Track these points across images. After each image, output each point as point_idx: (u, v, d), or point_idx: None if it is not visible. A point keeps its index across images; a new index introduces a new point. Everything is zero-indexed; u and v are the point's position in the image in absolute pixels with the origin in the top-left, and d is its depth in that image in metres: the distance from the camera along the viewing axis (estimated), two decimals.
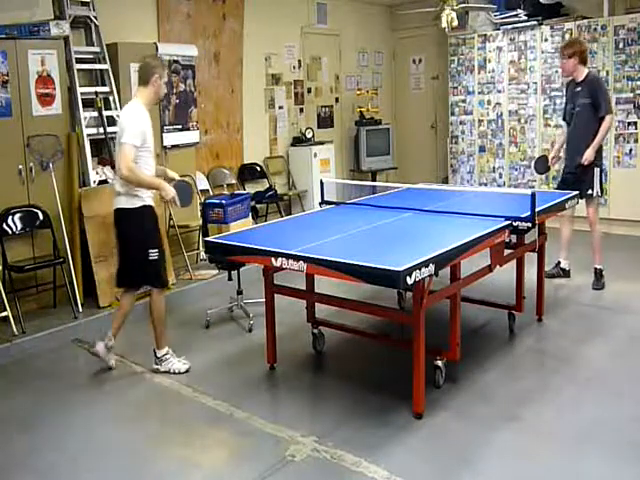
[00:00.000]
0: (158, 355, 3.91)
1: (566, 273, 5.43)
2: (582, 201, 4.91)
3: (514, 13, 7.50)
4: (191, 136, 6.18)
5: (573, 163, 5.09)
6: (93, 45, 5.44)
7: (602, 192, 5.28)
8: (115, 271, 4.03)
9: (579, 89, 5.04)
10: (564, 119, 5.36)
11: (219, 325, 4.77)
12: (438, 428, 3.18)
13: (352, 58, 8.87)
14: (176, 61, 6.00)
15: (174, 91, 6.00)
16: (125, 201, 3.73)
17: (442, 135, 8.95)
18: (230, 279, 4.89)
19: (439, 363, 3.54)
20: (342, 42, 8.64)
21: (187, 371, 3.89)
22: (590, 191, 5.02)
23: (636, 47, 6.67)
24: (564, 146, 5.31)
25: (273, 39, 7.54)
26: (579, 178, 5.03)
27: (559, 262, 5.43)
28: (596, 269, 5.18)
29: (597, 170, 5.06)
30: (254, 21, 7.16)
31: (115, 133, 5.37)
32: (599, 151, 5.09)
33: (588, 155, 4.94)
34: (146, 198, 3.75)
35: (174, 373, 3.88)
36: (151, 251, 3.77)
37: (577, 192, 4.65)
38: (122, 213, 3.77)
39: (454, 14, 5.90)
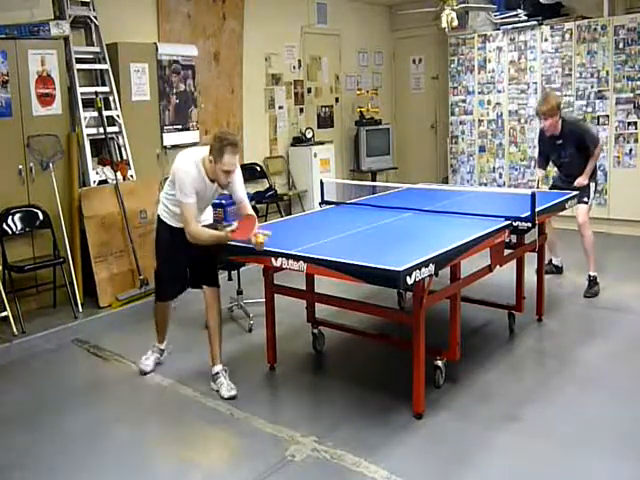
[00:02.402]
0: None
1: (559, 269, 5.49)
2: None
3: (514, 13, 7.50)
4: (191, 136, 6.17)
5: (566, 183, 5.10)
6: (93, 45, 5.44)
7: (597, 193, 5.40)
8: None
9: (560, 142, 4.99)
10: (540, 167, 5.37)
11: None
12: (438, 428, 3.18)
13: (352, 58, 8.87)
14: (176, 61, 5.99)
15: (174, 91, 6.00)
16: (160, 210, 3.75)
17: (442, 135, 8.94)
18: (230, 279, 4.89)
19: (439, 363, 3.54)
20: (342, 42, 8.64)
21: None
22: (586, 199, 4.98)
23: (636, 47, 6.67)
24: (556, 170, 5.40)
25: (273, 39, 7.54)
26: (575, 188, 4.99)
27: (550, 260, 5.44)
28: (590, 276, 5.04)
29: (592, 185, 5.08)
30: (254, 21, 7.16)
31: (114, 134, 5.44)
32: (594, 169, 5.11)
33: (581, 180, 4.97)
34: (168, 217, 3.69)
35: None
36: (156, 261, 3.83)
37: (577, 192, 4.65)
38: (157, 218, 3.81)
39: (454, 14, 5.90)
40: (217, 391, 3.62)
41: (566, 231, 5.58)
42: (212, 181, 3.47)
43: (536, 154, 7.20)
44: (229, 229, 3.37)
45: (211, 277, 3.71)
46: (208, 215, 3.87)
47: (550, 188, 5.26)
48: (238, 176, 3.55)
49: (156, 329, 3.99)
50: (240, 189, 3.58)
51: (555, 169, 5.48)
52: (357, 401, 3.48)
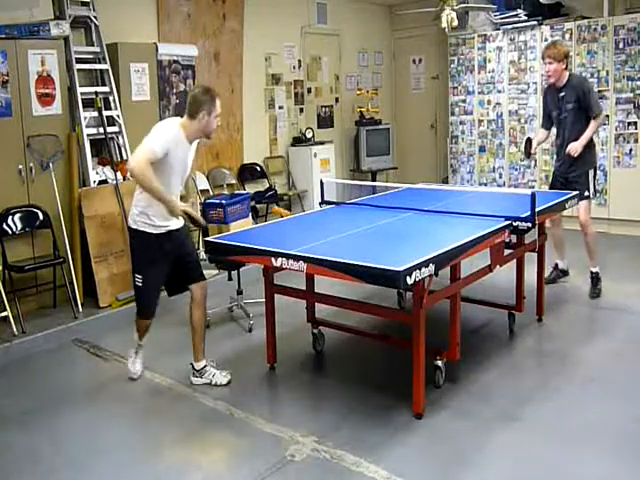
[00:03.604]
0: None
1: (565, 273, 5.37)
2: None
3: (514, 13, 7.50)
4: None
5: (565, 167, 4.94)
6: (93, 45, 5.44)
7: (597, 193, 5.22)
8: None
9: (563, 94, 4.82)
10: (543, 126, 5.19)
11: (219, 325, 4.77)
12: (438, 428, 3.18)
13: (352, 58, 8.87)
14: (176, 61, 5.99)
15: (174, 91, 6.00)
16: (133, 219, 3.53)
17: (442, 135, 8.95)
18: (230, 279, 4.89)
19: (439, 363, 3.54)
20: (342, 42, 8.64)
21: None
22: (587, 192, 4.86)
23: (636, 47, 6.67)
24: (556, 151, 5.18)
25: (273, 39, 7.54)
26: (573, 180, 4.88)
27: (556, 264, 5.32)
28: (592, 272, 5.00)
29: (591, 172, 4.92)
30: (254, 21, 7.16)
31: (114, 134, 5.44)
32: (593, 152, 4.96)
33: (576, 146, 4.72)
34: (154, 226, 3.49)
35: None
36: (137, 276, 3.58)
37: (577, 192, 4.62)
38: (129, 230, 3.63)
39: (454, 14, 5.90)
40: (210, 383, 3.70)
41: (562, 231, 5.57)
42: (189, 143, 3.52)
43: (537, 155, 7.27)
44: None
45: (200, 271, 3.77)
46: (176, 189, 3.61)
47: (550, 188, 5.15)
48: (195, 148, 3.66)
49: (139, 336, 3.85)
50: (192, 160, 3.68)
51: (554, 164, 5.29)
52: (357, 401, 3.48)
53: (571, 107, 4.80)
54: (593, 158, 5.00)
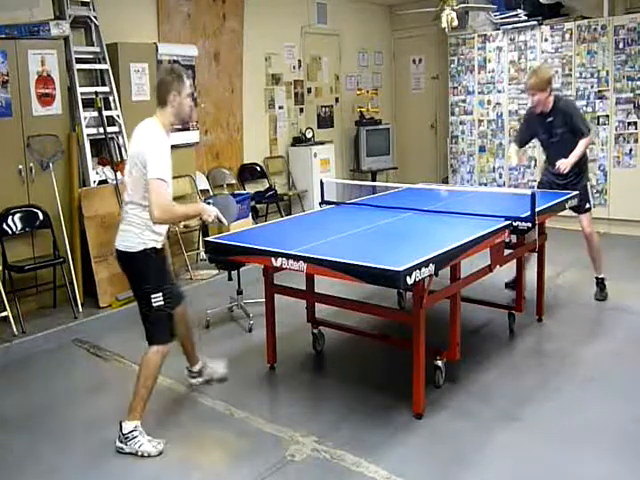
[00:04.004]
0: (124, 430, 3.06)
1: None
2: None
3: (514, 13, 7.50)
4: (191, 136, 6.17)
5: (562, 182, 4.80)
6: (93, 45, 5.44)
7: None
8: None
9: (550, 119, 4.69)
10: (517, 143, 5.03)
11: (219, 325, 4.77)
12: (438, 428, 3.18)
13: (352, 58, 8.87)
14: (176, 61, 5.98)
15: None
16: (126, 244, 3.13)
17: (442, 135, 8.95)
18: (230, 279, 4.89)
19: (439, 363, 3.54)
20: (342, 42, 8.64)
21: (159, 454, 3.05)
22: (588, 205, 4.84)
23: (636, 47, 6.67)
24: (545, 167, 5.05)
25: (273, 39, 7.54)
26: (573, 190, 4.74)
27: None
28: (598, 279, 4.98)
29: (589, 184, 4.94)
30: (254, 21, 7.16)
31: (114, 134, 5.44)
32: (586, 167, 4.91)
33: (566, 163, 4.60)
34: (148, 241, 3.12)
35: (142, 456, 3.04)
36: (154, 296, 3.10)
37: (577, 192, 4.61)
38: (122, 255, 3.18)
39: (454, 14, 5.90)
40: (209, 381, 3.66)
41: (562, 230, 5.58)
42: (169, 136, 3.21)
43: (536, 154, 7.27)
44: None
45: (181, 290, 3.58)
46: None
47: (537, 187, 5.05)
48: None
49: (147, 398, 3.16)
50: None
51: (543, 163, 5.19)
52: (357, 401, 3.48)
53: (561, 132, 4.71)
54: (587, 172, 4.98)
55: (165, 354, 3.19)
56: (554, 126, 4.71)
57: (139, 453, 3.04)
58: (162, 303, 3.13)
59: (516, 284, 4.41)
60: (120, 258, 3.20)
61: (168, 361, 4.07)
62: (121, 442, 3.07)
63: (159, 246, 3.17)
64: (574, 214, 4.95)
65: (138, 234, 3.10)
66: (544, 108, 4.68)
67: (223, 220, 3.26)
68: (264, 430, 3.23)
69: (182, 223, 3.48)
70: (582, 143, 4.68)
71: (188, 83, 3.19)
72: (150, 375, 3.13)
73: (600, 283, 4.99)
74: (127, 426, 3.07)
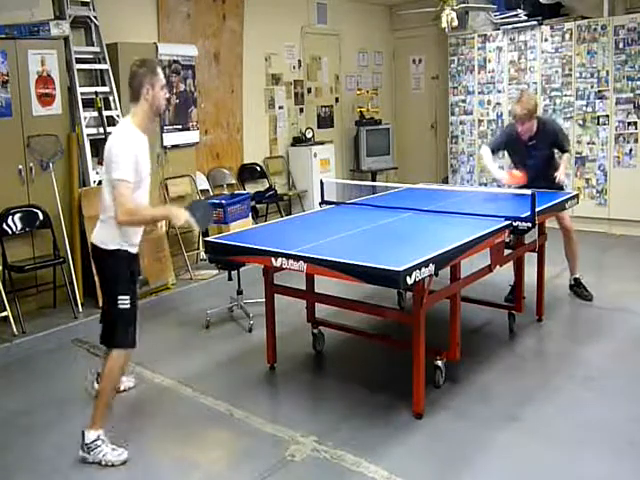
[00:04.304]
0: (86, 440, 2.98)
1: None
2: None
3: (514, 13, 7.51)
4: (191, 136, 6.18)
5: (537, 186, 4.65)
6: (93, 45, 5.44)
7: None
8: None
9: (532, 143, 4.67)
10: (491, 149, 4.90)
11: (219, 325, 4.77)
12: (438, 428, 3.18)
13: (352, 58, 8.87)
14: (176, 61, 5.99)
15: (174, 91, 6.00)
16: (100, 239, 3.09)
17: (442, 135, 8.95)
18: (230, 279, 4.89)
19: (439, 363, 3.54)
20: (342, 42, 8.64)
21: (123, 463, 2.98)
22: (572, 202, 4.69)
23: (636, 47, 6.67)
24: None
25: (273, 39, 7.54)
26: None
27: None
28: (576, 280, 4.98)
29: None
30: (254, 21, 7.16)
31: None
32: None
33: (561, 176, 4.63)
34: (123, 242, 3.06)
35: (106, 465, 2.96)
36: (120, 298, 3.03)
37: (576, 193, 4.63)
38: (95, 250, 3.13)
39: (454, 14, 5.90)
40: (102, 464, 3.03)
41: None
42: (145, 134, 3.11)
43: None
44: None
45: None
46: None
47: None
48: None
49: (107, 404, 3.08)
50: None
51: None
52: (357, 401, 3.48)
53: (541, 154, 4.70)
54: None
55: (127, 360, 3.14)
56: (536, 148, 4.68)
57: (102, 462, 2.97)
58: (128, 307, 3.05)
59: (515, 284, 4.41)
60: (94, 252, 3.14)
61: (168, 361, 4.09)
62: (84, 452, 3.00)
63: (131, 250, 3.11)
64: (574, 214, 4.96)
65: (113, 234, 3.04)
66: (530, 133, 4.66)
67: (194, 226, 3.13)
68: (264, 430, 3.23)
69: (155, 225, 3.37)
70: (566, 159, 4.78)
71: (161, 72, 3.11)
72: (113, 380, 3.07)
73: (580, 283, 4.97)
74: (90, 436, 2.99)
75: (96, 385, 3.60)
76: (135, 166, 2.95)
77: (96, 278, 3.23)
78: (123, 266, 3.08)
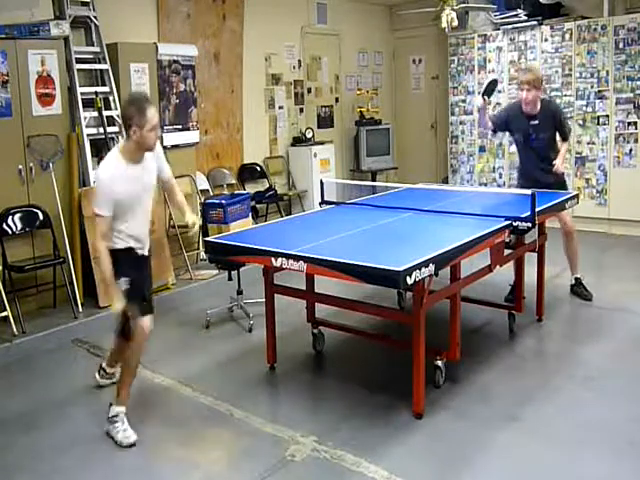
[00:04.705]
0: (110, 413, 3.22)
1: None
2: None
3: (514, 13, 7.51)
4: (191, 136, 6.18)
5: (541, 185, 4.62)
6: (93, 45, 5.44)
7: None
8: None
9: (536, 122, 4.57)
10: (491, 119, 4.80)
11: (219, 325, 4.77)
12: (438, 428, 3.18)
13: (352, 58, 8.87)
14: (176, 61, 5.99)
15: (174, 91, 6.00)
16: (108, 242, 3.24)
17: (442, 135, 8.95)
18: (230, 279, 4.89)
19: (439, 363, 3.54)
20: (342, 42, 8.64)
21: (130, 445, 3.12)
22: (572, 202, 4.67)
23: (636, 47, 6.67)
24: (521, 175, 4.94)
25: (273, 39, 7.54)
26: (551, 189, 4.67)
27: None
28: (577, 279, 4.98)
29: (567, 182, 4.85)
30: (254, 21, 7.16)
31: (114, 134, 5.44)
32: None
33: (559, 165, 4.58)
34: (119, 241, 3.23)
35: (115, 443, 3.15)
36: (119, 281, 3.18)
37: (576, 193, 4.62)
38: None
39: (454, 14, 5.90)
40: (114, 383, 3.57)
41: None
42: (138, 162, 3.18)
43: None
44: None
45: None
46: (145, 227, 3.36)
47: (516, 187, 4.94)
48: (161, 153, 3.42)
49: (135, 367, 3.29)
50: (166, 166, 3.47)
51: (517, 164, 5.10)
52: (357, 401, 3.48)
53: (543, 136, 4.61)
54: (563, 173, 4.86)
55: (145, 336, 3.23)
56: (538, 130, 4.60)
57: (114, 439, 3.17)
58: (128, 287, 3.18)
59: (515, 284, 4.41)
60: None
61: (168, 361, 4.09)
62: (107, 422, 3.23)
63: (133, 245, 3.27)
64: (574, 214, 4.95)
65: (110, 236, 3.20)
66: (532, 109, 4.57)
67: (115, 307, 3.14)
68: (264, 430, 3.23)
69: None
70: (566, 146, 4.71)
71: (151, 114, 3.07)
72: (135, 361, 3.26)
73: (580, 283, 4.98)
74: (112, 410, 3.22)
75: (97, 376, 3.75)
76: (112, 200, 3.08)
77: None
78: (121, 258, 3.21)
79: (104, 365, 3.76)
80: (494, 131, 4.95)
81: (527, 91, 4.49)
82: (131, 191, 3.16)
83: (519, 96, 4.61)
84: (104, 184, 3.11)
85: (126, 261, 3.25)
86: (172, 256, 5.56)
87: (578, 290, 4.98)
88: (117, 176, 3.11)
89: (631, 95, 6.75)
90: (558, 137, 4.74)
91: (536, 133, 4.62)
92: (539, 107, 4.57)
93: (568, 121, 5.00)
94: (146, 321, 3.24)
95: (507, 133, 4.95)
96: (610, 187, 6.99)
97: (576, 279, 5.01)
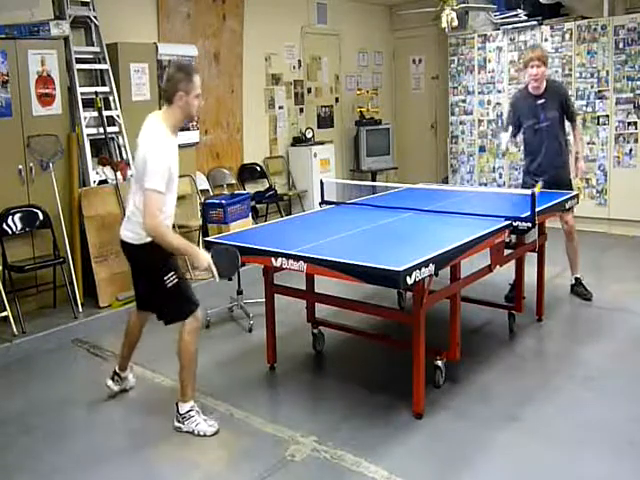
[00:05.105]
0: (181, 411, 3.22)
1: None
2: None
3: (514, 13, 7.51)
4: (191, 136, 6.17)
5: (549, 178, 4.59)
6: (93, 45, 5.44)
7: None
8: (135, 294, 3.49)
9: (542, 101, 4.57)
10: (506, 129, 4.81)
11: (219, 325, 4.77)
12: (438, 428, 3.18)
13: (352, 58, 8.87)
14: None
15: None
16: (132, 235, 3.16)
17: (442, 135, 8.95)
18: (230, 279, 4.88)
19: (439, 363, 3.54)
20: (342, 42, 8.64)
21: (215, 434, 3.18)
22: (572, 201, 4.66)
23: (636, 47, 6.67)
24: (529, 165, 4.81)
25: (273, 39, 7.54)
26: (558, 185, 4.65)
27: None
28: (577, 279, 4.98)
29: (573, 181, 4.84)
30: (254, 21, 7.16)
31: (114, 134, 5.44)
32: (568, 159, 4.81)
33: (583, 166, 4.69)
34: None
35: (199, 435, 3.18)
36: (166, 278, 3.16)
37: (576, 193, 4.62)
38: (127, 246, 3.23)
39: (454, 14, 5.90)
40: (123, 390, 3.61)
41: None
42: (176, 134, 3.16)
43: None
44: None
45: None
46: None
47: (522, 186, 4.88)
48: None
49: (193, 376, 3.26)
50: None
51: (524, 158, 4.99)
52: (357, 401, 3.48)
53: (552, 115, 4.60)
54: (569, 169, 4.85)
55: (199, 326, 3.23)
56: (546, 108, 4.60)
57: (195, 432, 3.17)
58: (176, 281, 3.16)
59: (515, 283, 4.41)
60: (125, 248, 3.25)
61: (168, 361, 4.08)
62: (179, 422, 3.21)
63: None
64: (574, 214, 4.93)
65: (135, 229, 3.12)
66: (539, 86, 4.57)
67: (215, 274, 3.08)
68: (264, 430, 3.23)
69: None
70: (578, 134, 4.73)
71: (197, 83, 3.09)
72: (189, 357, 3.18)
73: (580, 283, 4.97)
74: (184, 407, 3.20)
75: (109, 382, 3.61)
76: (168, 175, 3.00)
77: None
78: (157, 253, 3.09)
79: (117, 370, 3.62)
80: (514, 135, 4.84)
81: (537, 67, 4.51)
82: (175, 168, 3.07)
83: (528, 74, 4.59)
84: (162, 158, 2.97)
85: (162, 257, 3.12)
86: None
87: (578, 290, 4.98)
88: (170, 149, 3.04)
89: (631, 95, 6.75)
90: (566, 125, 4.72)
91: (544, 113, 4.61)
92: (544, 86, 4.60)
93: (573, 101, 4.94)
94: (199, 312, 3.24)
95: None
96: (610, 187, 6.99)
97: (576, 279, 5.02)
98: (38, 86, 4.85)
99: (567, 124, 4.82)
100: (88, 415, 3.48)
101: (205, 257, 3.07)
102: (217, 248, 3.25)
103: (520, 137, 4.86)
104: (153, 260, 3.14)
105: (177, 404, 3.23)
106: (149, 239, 3.06)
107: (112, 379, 3.62)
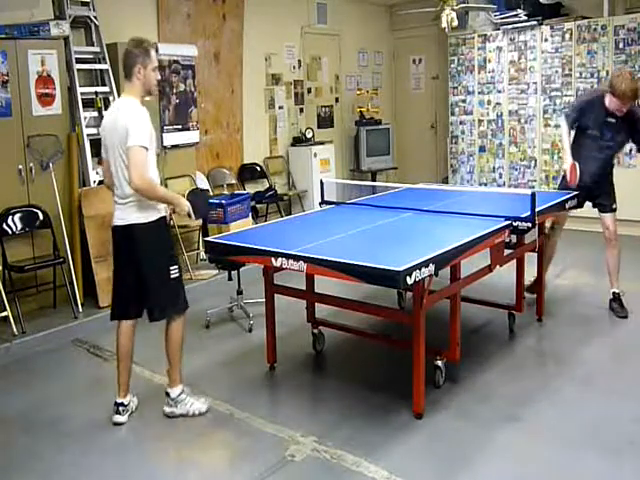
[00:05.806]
0: (172, 395, 3.38)
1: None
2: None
3: (514, 13, 7.51)
4: (191, 136, 6.18)
5: (591, 182, 4.54)
6: (93, 45, 5.45)
7: None
8: (112, 301, 3.39)
9: (613, 121, 4.33)
10: (569, 126, 4.54)
11: (219, 325, 4.77)
12: (438, 428, 3.18)
13: (352, 58, 8.87)
14: (176, 61, 5.99)
15: (174, 91, 6.00)
16: (138, 215, 3.18)
17: (442, 135, 8.95)
18: (230, 279, 4.89)
19: (439, 363, 3.54)
20: (342, 42, 8.64)
21: (207, 410, 3.38)
22: (615, 205, 4.71)
23: (636, 47, 6.67)
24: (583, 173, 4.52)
25: (273, 39, 7.54)
26: (602, 193, 4.66)
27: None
28: (615, 294, 4.62)
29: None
30: (254, 21, 7.16)
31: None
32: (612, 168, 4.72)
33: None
34: (161, 208, 3.26)
35: (194, 415, 3.35)
36: (172, 268, 3.25)
37: (577, 193, 4.58)
38: (135, 230, 3.19)
39: (454, 14, 5.90)
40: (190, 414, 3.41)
41: (562, 230, 5.56)
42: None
43: (536, 154, 7.24)
44: None
45: None
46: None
47: (560, 188, 4.76)
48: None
49: (180, 362, 3.41)
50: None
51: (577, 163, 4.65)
52: (357, 401, 3.48)
53: (620, 139, 4.44)
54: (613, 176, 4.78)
55: (185, 322, 3.38)
56: (614, 129, 4.37)
57: (190, 412, 3.36)
58: (178, 275, 3.31)
59: (517, 284, 4.41)
60: (129, 234, 3.22)
61: (167, 362, 4.07)
62: (171, 407, 3.37)
63: (161, 214, 3.27)
64: (575, 213, 4.89)
65: (137, 208, 3.19)
66: (620, 111, 4.28)
67: (192, 215, 3.32)
68: (264, 430, 3.22)
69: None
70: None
71: (154, 56, 3.24)
72: (178, 347, 3.38)
73: (617, 299, 4.62)
74: (175, 390, 3.38)
75: (118, 418, 3.34)
76: (149, 135, 3.14)
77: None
78: (164, 236, 3.32)
79: (120, 400, 3.35)
80: (571, 127, 4.58)
81: (623, 105, 4.21)
82: (153, 133, 3.21)
83: (615, 103, 4.25)
84: (143, 119, 3.13)
85: (169, 241, 3.33)
86: None
87: (614, 305, 4.61)
88: (147, 115, 3.18)
89: None
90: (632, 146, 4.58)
91: (612, 133, 4.39)
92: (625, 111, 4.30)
93: None
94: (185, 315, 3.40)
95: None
96: None
97: (614, 293, 4.64)
98: (38, 86, 4.85)
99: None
100: (87, 415, 3.47)
101: (185, 202, 3.28)
102: (193, 191, 3.56)
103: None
104: (160, 241, 3.27)
105: (167, 392, 3.40)
106: (155, 217, 3.21)
107: (118, 413, 3.35)
